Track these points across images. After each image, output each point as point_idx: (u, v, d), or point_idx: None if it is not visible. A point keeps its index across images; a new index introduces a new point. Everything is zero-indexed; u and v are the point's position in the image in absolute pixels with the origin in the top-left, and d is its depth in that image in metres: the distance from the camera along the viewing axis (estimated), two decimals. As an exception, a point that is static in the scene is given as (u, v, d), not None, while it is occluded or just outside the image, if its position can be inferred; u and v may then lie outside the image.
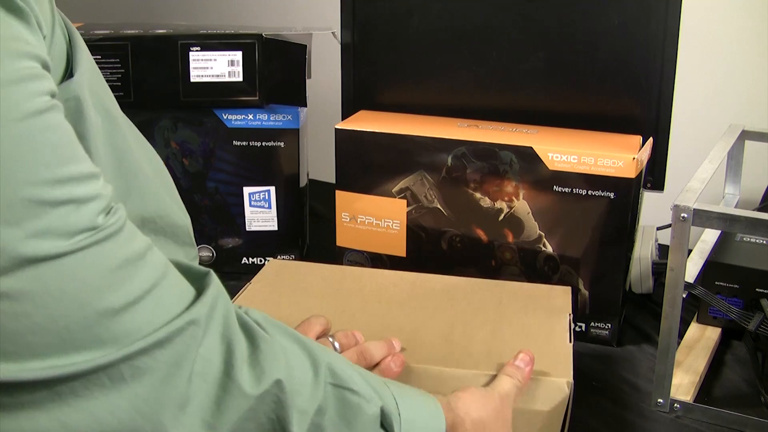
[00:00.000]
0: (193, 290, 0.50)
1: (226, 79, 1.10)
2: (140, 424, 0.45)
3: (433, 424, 0.60)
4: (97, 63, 1.13)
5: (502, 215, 0.99)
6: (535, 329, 0.81)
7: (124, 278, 0.45)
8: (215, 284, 0.51)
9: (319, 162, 1.28)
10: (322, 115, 1.23)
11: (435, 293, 0.89)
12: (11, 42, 0.42)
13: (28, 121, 0.42)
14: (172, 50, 1.09)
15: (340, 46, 1.14)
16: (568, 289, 0.89)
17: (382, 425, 0.57)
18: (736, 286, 0.96)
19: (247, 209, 1.15)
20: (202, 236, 1.16)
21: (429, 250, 1.04)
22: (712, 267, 0.98)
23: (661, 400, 0.86)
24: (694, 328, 1.00)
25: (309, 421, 0.52)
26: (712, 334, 0.99)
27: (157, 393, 0.45)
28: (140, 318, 0.45)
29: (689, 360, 0.93)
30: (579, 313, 0.99)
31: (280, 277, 0.93)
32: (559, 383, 0.73)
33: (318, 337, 0.75)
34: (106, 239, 0.44)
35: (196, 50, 1.09)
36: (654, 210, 1.09)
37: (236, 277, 1.04)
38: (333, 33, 1.17)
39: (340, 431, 0.54)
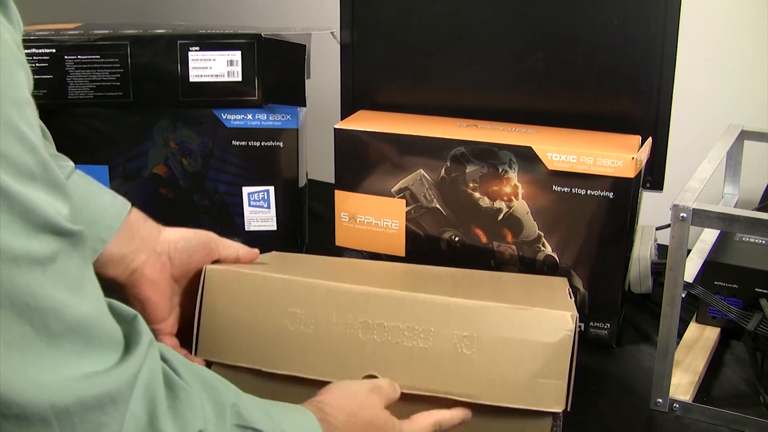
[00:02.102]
0: (121, 339, 0.49)
1: (225, 79, 1.10)
2: None
3: None
4: (96, 63, 1.13)
5: (501, 215, 0.99)
6: (534, 289, 0.84)
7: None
8: (145, 336, 0.50)
9: (318, 162, 1.28)
10: (322, 115, 1.22)
11: (436, 272, 0.91)
12: (11, 43, 0.43)
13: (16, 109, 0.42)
14: (172, 50, 1.09)
15: (339, 46, 1.14)
16: (565, 279, 0.91)
17: None
18: (735, 285, 0.96)
19: (246, 209, 1.15)
20: (201, 236, 1.16)
21: (428, 250, 1.04)
22: (711, 267, 0.98)
23: (661, 400, 0.86)
24: (693, 328, 1.00)
25: None
26: (711, 333, 0.99)
27: None
28: (67, 357, 0.43)
29: (688, 360, 0.93)
30: (578, 313, 0.99)
31: (278, 259, 0.94)
32: (564, 315, 0.74)
33: None
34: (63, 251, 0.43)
35: (195, 50, 1.09)
36: (653, 210, 1.09)
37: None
38: (332, 33, 1.17)
39: None
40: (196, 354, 0.79)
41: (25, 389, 0.41)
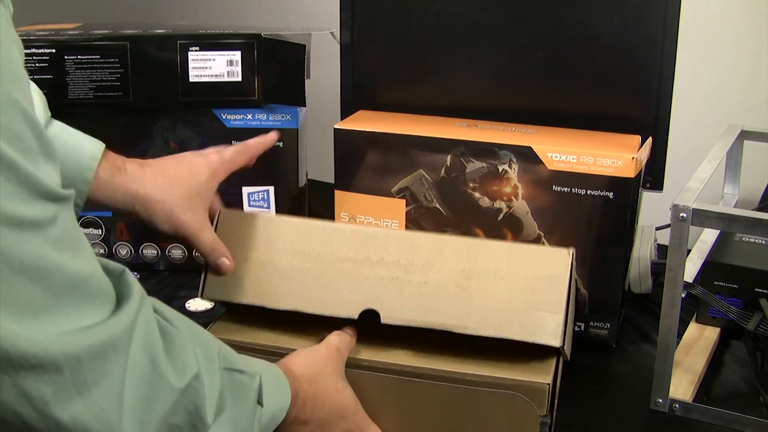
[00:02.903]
0: (113, 292, 0.52)
1: (225, 78, 1.10)
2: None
3: (283, 390, 0.67)
4: (96, 63, 1.13)
5: (501, 215, 0.99)
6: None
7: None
8: (136, 288, 0.53)
9: (318, 162, 1.28)
10: (321, 115, 1.23)
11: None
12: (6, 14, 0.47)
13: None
14: (171, 50, 1.09)
15: (339, 46, 1.14)
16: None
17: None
18: (735, 285, 0.96)
19: (246, 209, 1.15)
20: (201, 236, 1.16)
21: (428, 250, 1.03)
22: (711, 267, 0.98)
23: (661, 400, 0.86)
24: (693, 328, 1.00)
25: (215, 406, 0.56)
26: (711, 333, 0.99)
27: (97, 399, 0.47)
28: (70, 312, 0.47)
29: (688, 360, 0.93)
30: (578, 312, 0.99)
31: None
32: (561, 251, 0.77)
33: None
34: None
35: (195, 50, 1.09)
36: (653, 210, 1.09)
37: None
38: (332, 33, 1.17)
39: (235, 408, 0.59)
40: (202, 296, 0.82)
41: (39, 342, 0.44)
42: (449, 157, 0.99)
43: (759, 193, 1.24)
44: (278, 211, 1.15)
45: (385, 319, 0.76)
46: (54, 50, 1.07)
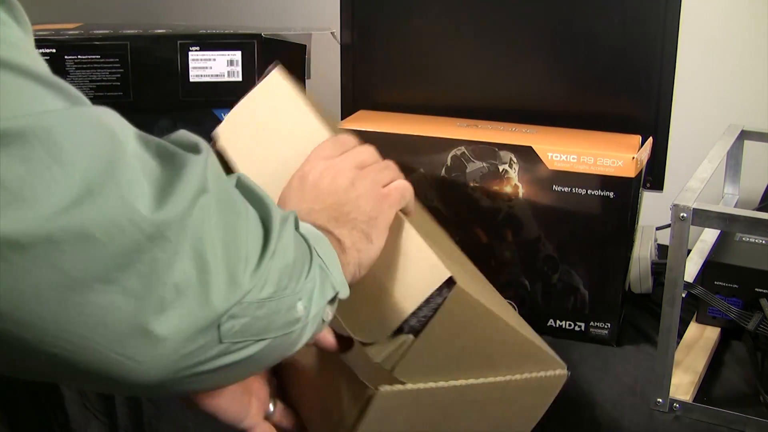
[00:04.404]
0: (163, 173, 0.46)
1: (225, 78, 1.10)
2: None
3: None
4: (96, 63, 1.13)
5: (502, 215, 0.99)
6: None
7: None
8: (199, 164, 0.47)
9: (318, 162, 1.28)
10: (322, 115, 1.23)
11: None
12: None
13: None
14: (172, 50, 1.09)
15: (339, 46, 1.15)
16: None
17: None
18: (735, 285, 0.96)
19: (247, 209, 1.15)
20: (201, 236, 1.16)
21: (428, 250, 1.03)
22: (711, 267, 0.98)
23: (661, 400, 0.86)
24: (693, 328, 1.00)
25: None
26: (712, 333, 0.99)
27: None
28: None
29: (688, 360, 0.93)
30: (578, 313, 0.99)
31: None
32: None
33: None
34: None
35: (196, 50, 1.09)
36: (653, 210, 1.09)
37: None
38: (332, 33, 1.17)
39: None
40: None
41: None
42: (449, 157, 0.99)
43: (759, 193, 1.24)
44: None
45: None
46: (54, 50, 1.07)
